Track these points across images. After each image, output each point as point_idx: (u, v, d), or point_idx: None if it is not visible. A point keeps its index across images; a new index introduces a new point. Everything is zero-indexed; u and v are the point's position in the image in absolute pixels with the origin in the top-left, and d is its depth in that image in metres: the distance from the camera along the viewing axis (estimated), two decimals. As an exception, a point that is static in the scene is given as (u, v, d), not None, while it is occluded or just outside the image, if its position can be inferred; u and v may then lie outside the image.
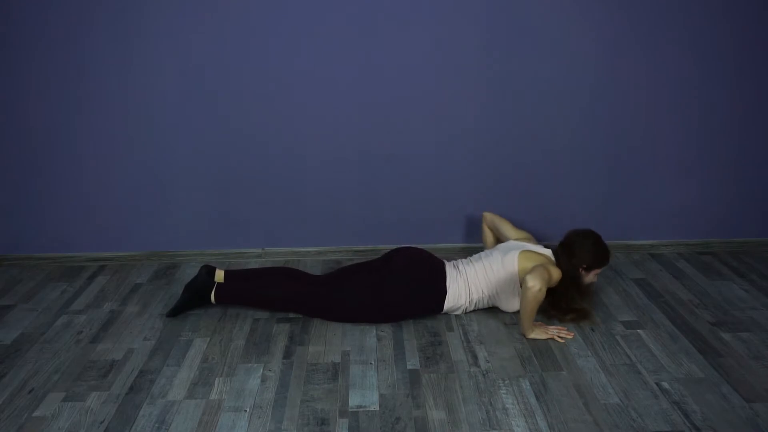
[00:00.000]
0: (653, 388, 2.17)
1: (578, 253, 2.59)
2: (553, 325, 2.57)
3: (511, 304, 2.62)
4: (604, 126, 3.10)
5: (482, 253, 2.72)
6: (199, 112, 3.01)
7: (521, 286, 2.49)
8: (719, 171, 3.20)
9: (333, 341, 2.49)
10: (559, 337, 2.48)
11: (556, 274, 2.52)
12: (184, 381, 2.25)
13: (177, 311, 2.68)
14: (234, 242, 3.25)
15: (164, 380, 2.26)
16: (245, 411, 2.09)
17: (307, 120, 3.04)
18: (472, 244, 3.25)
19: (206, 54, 2.92)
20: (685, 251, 3.30)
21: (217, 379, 2.26)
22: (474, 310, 2.70)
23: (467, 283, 2.61)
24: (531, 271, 2.44)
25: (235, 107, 3.01)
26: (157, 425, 2.03)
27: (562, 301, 2.61)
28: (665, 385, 2.19)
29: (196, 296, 2.68)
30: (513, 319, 2.62)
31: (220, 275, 2.70)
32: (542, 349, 2.42)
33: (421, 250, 2.70)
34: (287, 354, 2.41)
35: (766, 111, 3.11)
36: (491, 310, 2.70)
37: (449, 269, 2.64)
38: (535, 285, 2.38)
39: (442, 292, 2.59)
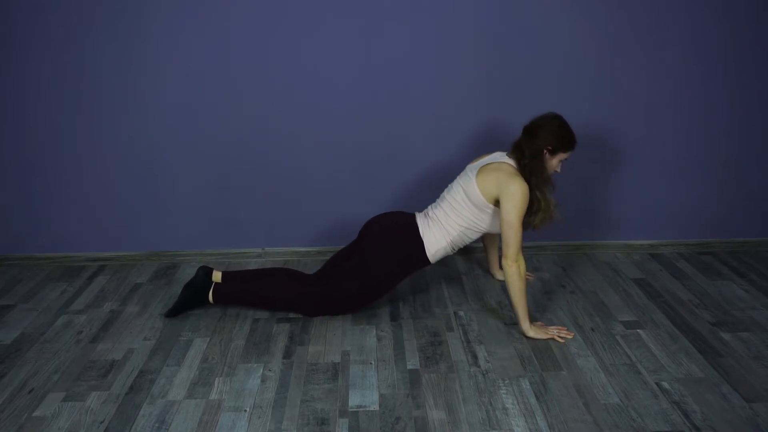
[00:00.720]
0: (653, 388, 2.17)
1: (542, 134, 2.47)
2: (528, 230, 2.49)
3: (497, 225, 2.55)
4: (604, 126, 3.10)
5: (445, 190, 2.68)
6: (199, 112, 3.01)
7: (495, 205, 2.47)
8: (719, 171, 3.19)
9: (333, 341, 2.49)
10: (559, 337, 2.48)
11: (520, 192, 2.41)
12: (184, 381, 2.25)
13: (176, 311, 2.67)
14: (234, 242, 3.25)
15: (164, 380, 2.26)
16: (245, 411, 2.09)
17: (307, 120, 3.04)
18: (472, 244, 3.23)
19: (206, 54, 2.92)
20: (685, 251, 3.30)
21: (217, 379, 2.26)
22: (466, 247, 2.70)
23: (441, 225, 2.58)
24: (503, 250, 2.40)
25: (235, 107, 3.01)
26: (157, 425, 2.03)
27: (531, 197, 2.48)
28: (665, 385, 2.19)
29: (194, 296, 2.68)
30: (513, 318, 2.62)
31: (217, 276, 2.70)
32: (542, 349, 2.42)
33: (390, 215, 2.70)
34: (287, 354, 2.41)
35: (766, 111, 3.11)
36: (492, 310, 2.70)
37: (420, 219, 2.62)
38: (513, 264, 2.39)
39: (420, 245, 2.57)
